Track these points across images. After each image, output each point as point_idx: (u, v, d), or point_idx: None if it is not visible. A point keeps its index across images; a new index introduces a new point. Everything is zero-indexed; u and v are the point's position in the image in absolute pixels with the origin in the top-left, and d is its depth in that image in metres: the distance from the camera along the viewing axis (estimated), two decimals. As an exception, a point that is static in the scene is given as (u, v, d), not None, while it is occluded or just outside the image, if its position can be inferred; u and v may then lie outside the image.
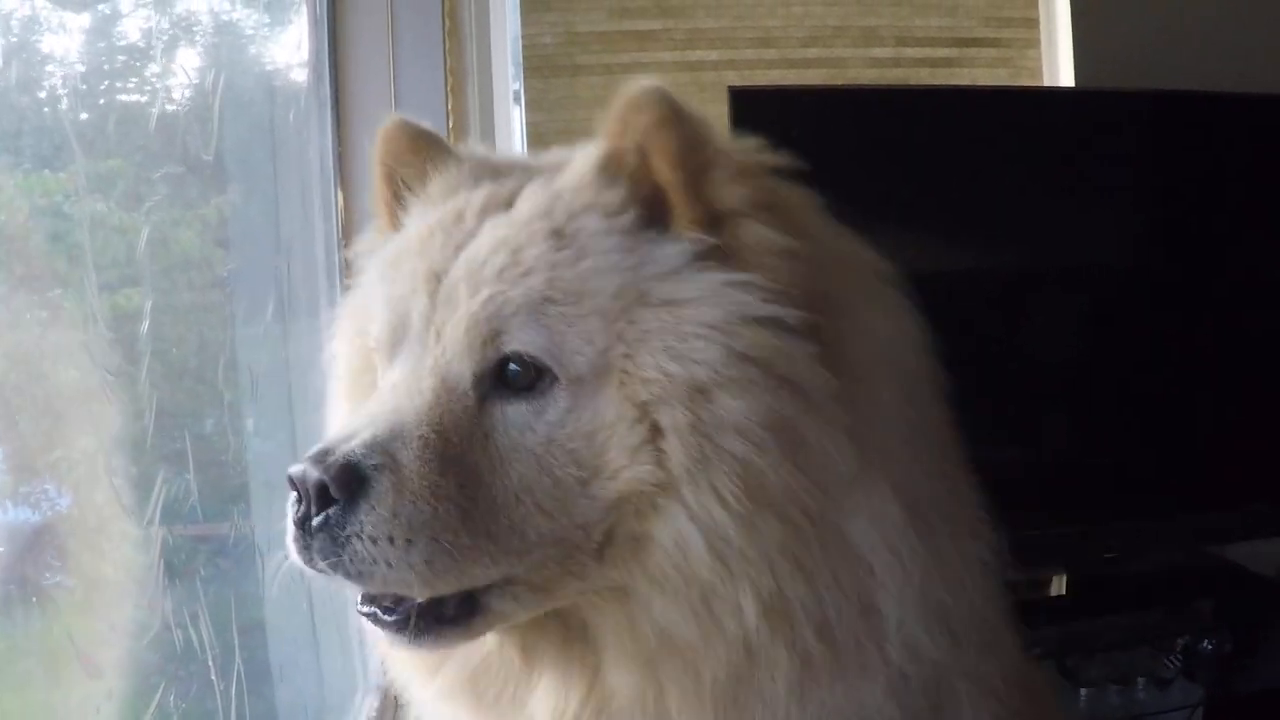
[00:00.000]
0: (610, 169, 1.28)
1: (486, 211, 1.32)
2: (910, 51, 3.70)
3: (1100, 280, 3.17)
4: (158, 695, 1.68)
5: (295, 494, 1.18)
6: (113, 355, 1.67)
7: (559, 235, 1.25)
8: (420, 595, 1.20)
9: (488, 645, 1.33)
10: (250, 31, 2.39)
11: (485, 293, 1.23)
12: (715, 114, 3.25)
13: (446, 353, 1.24)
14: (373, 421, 1.22)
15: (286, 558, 1.22)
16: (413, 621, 1.22)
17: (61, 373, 1.60)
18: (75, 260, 1.62)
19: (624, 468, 1.20)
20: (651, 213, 1.26)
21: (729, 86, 2.80)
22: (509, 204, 1.32)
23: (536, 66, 3.41)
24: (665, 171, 1.24)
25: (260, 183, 2.30)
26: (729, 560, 1.18)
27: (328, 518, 1.17)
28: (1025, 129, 3.06)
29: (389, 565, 1.16)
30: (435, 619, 1.22)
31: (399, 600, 1.23)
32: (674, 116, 1.22)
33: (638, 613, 1.22)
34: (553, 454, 1.21)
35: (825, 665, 1.22)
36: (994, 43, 3.75)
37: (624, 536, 1.21)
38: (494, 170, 1.41)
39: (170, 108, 1.97)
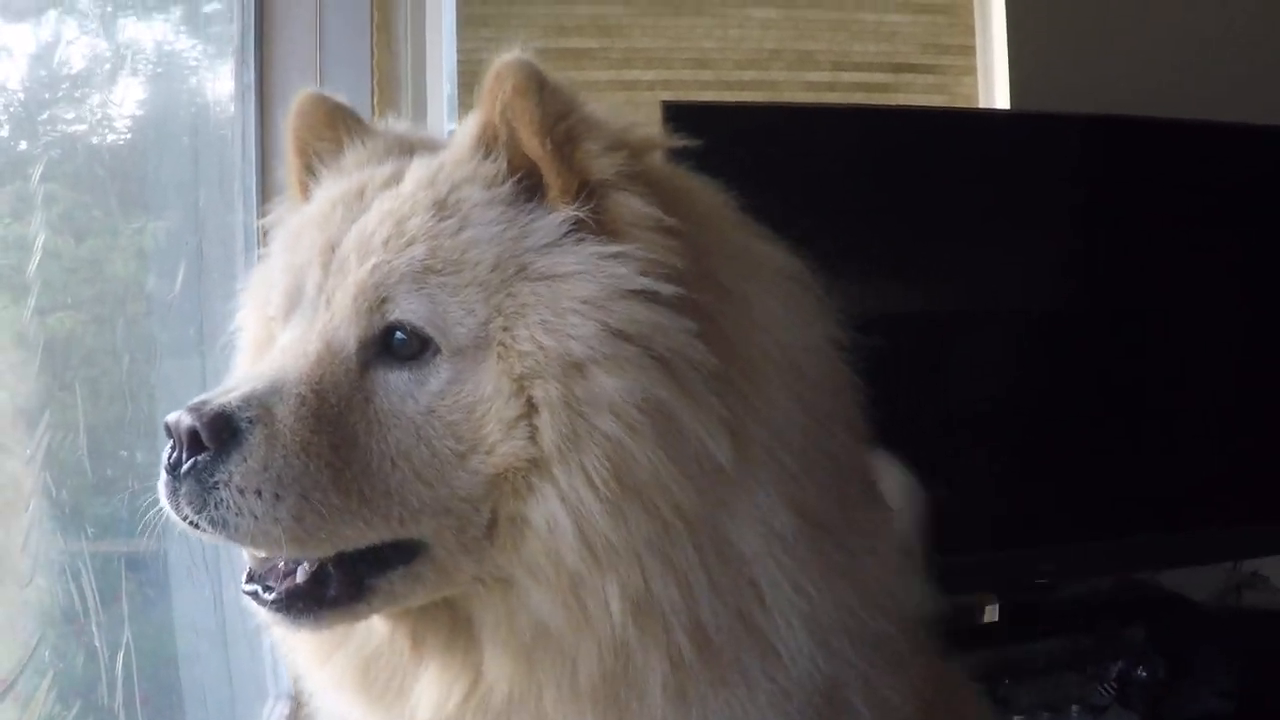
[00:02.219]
0: (485, 140, 1.27)
1: (385, 186, 1.32)
2: (846, 76, 3.71)
3: (1034, 304, 3.17)
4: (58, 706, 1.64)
5: (170, 440, 1.17)
6: (44, 378, 1.65)
7: (441, 206, 1.25)
8: (289, 553, 1.19)
9: (379, 634, 1.31)
10: (193, 63, 2.36)
11: (371, 261, 1.23)
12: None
13: (334, 318, 1.24)
14: (254, 378, 1.21)
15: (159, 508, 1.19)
16: (289, 600, 1.20)
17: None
18: (8, 283, 1.61)
19: (499, 442, 1.19)
20: (531, 184, 1.25)
21: (662, 101, 2.78)
22: (400, 180, 1.32)
23: (471, 82, 3.37)
24: (531, 142, 1.23)
25: (195, 212, 2.27)
26: (596, 549, 1.16)
27: (196, 463, 1.15)
28: (960, 150, 3.05)
29: (255, 517, 1.15)
30: (316, 600, 1.21)
31: (283, 578, 1.21)
32: (535, 85, 1.20)
33: (516, 603, 1.21)
34: (432, 424, 1.20)
35: (703, 672, 1.21)
36: (930, 69, 3.76)
37: (506, 518, 1.20)
38: (409, 146, 1.41)
39: (111, 137, 1.95)
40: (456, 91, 3.35)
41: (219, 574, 2.15)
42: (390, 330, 1.22)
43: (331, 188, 1.37)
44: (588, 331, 1.17)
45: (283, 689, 2.25)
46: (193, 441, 1.15)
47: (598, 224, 1.21)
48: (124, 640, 1.76)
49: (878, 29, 3.73)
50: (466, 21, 3.39)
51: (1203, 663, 3.04)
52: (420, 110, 3.06)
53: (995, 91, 3.70)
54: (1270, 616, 3.33)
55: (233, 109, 2.37)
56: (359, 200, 1.31)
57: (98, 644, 1.68)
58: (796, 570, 1.22)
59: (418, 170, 1.31)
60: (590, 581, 1.17)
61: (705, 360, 1.19)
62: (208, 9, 2.38)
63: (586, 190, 1.22)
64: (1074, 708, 2.93)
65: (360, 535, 1.19)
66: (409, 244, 1.23)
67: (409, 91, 2.89)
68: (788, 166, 2.80)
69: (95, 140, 1.91)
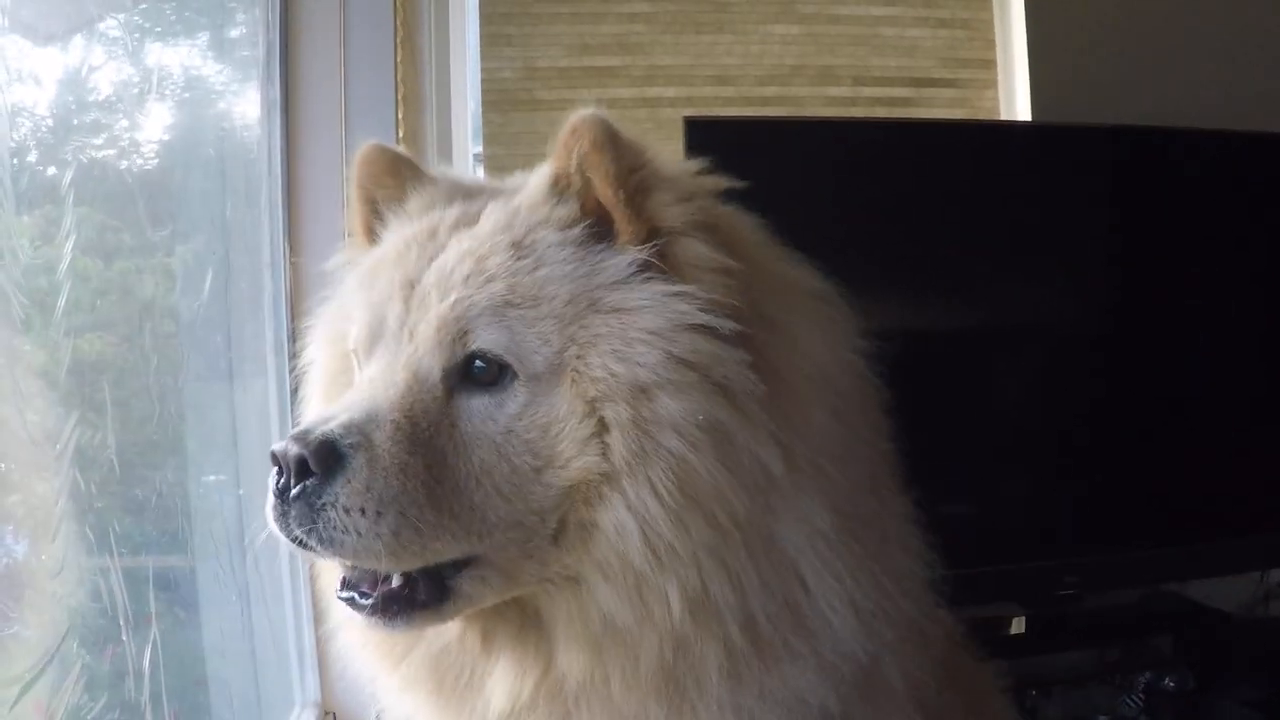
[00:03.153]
0: (558, 189, 1.40)
1: (457, 228, 1.45)
2: (867, 91, 3.72)
3: (1057, 316, 3.16)
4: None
5: (276, 468, 1.28)
6: (73, 400, 1.68)
7: (518, 246, 1.38)
8: (387, 566, 1.31)
9: (450, 634, 1.42)
10: (220, 88, 2.39)
11: (453, 296, 1.35)
12: (672, 149, 3.27)
13: (419, 350, 1.36)
14: (349, 408, 1.33)
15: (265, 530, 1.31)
16: (394, 606, 1.32)
17: (21, 416, 1.59)
18: (38, 305, 1.63)
19: (574, 458, 1.31)
20: (601, 226, 1.38)
21: (684, 116, 2.78)
22: (475, 221, 1.44)
23: (495, 100, 3.41)
24: (605, 191, 1.36)
25: (222, 223, 2.30)
26: (660, 552, 1.28)
27: (305, 488, 1.27)
28: (983, 163, 3.06)
29: (359, 534, 1.26)
30: (408, 603, 1.33)
31: (374, 586, 1.33)
32: (610, 141, 1.34)
33: (586, 599, 1.32)
34: (511, 443, 1.32)
35: (754, 658, 1.33)
36: (951, 83, 3.77)
37: (575, 524, 1.32)
38: (466, 191, 1.54)
39: (139, 160, 1.98)
40: (480, 109, 3.38)
41: (247, 590, 2.17)
42: (471, 359, 1.34)
43: (401, 230, 1.50)
44: (654, 359, 1.30)
45: (309, 698, 2.28)
46: (300, 468, 1.27)
47: (664, 265, 1.34)
48: (152, 643, 1.78)
49: (898, 44, 3.74)
50: (490, 40, 3.42)
51: (1230, 673, 3.03)
52: (445, 128, 3.08)
53: (1016, 105, 3.70)
54: (1298, 627, 3.31)
55: (259, 130, 2.40)
56: (432, 240, 1.44)
57: (128, 658, 1.71)
58: (836, 561, 1.34)
59: (494, 213, 1.43)
60: (654, 581, 1.29)
61: (756, 388, 1.31)
62: (234, 33, 2.40)
63: (655, 235, 1.35)
64: (1102, 718, 2.92)
65: (446, 549, 1.31)
66: (488, 280, 1.35)
67: (433, 109, 2.91)
68: (810, 180, 2.81)
69: (124, 164, 1.94)
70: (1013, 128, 3.54)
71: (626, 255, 1.35)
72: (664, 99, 3.54)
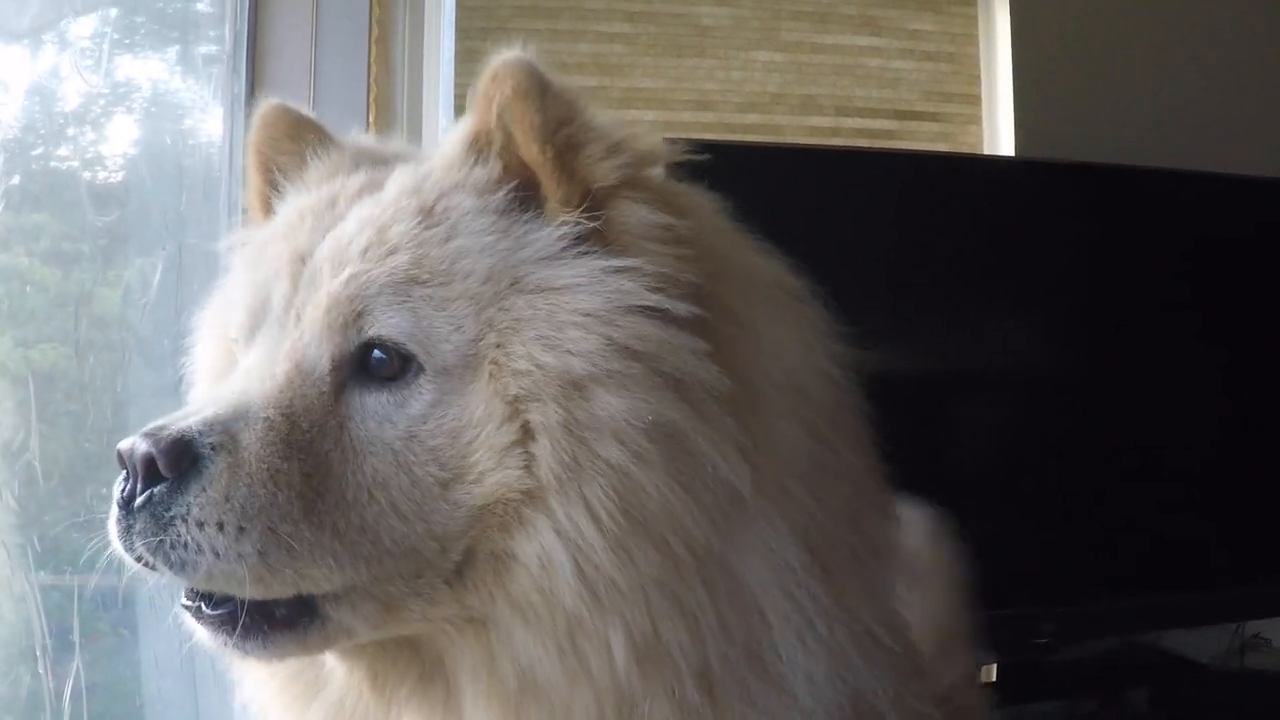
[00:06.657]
0: (478, 146, 1.18)
1: (360, 195, 1.23)
2: (850, 122, 3.66)
3: (1033, 359, 3.11)
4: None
5: (123, 472, 1.06)
6: (25, 409, 1.61)
7: (428, 213, 1.16)
8: (251, 593, 1.07)
9: (339, 678, 1.20)
10: (189, 104, 2.32)
11: (347, 271, 1.13)
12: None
13: (304, 336, 1.14)
14: (216, 401, 1.11)
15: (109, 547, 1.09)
16: (241, 618, 1.09)
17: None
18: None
19: (489, 471, 1.08)
20: (528, 192, 1.16)
21: (663, 138, 2.71)
22: (381, 187, 1.23)
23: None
24: (529, 148, 1.14)
25: (176, 229, 2.23)
26: (598, 589, 1.06)
27: (151, 496, 1.05)
28: (964, 197, 3.01)
29: (216, 555, 1.04)
30: (264, 618, 1.10)
31: (228, 597, 1.09)
32: (536, 88, 1.13)
33: (498, 647, 1.10)
34: (412, 450, 1.10)
35: (711, 714, 1.10)
36: (935, 117, 3.72)
37: (485, 555, 1.09)
38: (377, 158, 1.32)
39: (103, 174, 1.93)
40: (453, 123, 3.30)
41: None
42: (367, 348, 1.12)
43: (298, 200, 1.28)
44: (590, 346, 1.07)
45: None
46: (149, 471, 1.05)
47: (601, 236, 1.13)
48: (75, 671, 1.70)
49: (881, 75, 3.69)
50: (465, 55, 3.34)
51: (1207, 727, 2.98)
52: (415, 138, 3.01)
53: (1000, 140, 3.66)
54: (1273, 678, 3.27)
55: (226, 149, 2.33)
56: (331, 210, 1.22)
57: (45, 686, 1.63)
58: (807, 600, 1.13)
59: (401, 177, 1.22)
60: (590, 625, 1.07)
61: (718, 382, 1.09)
62: (204, 50, 2.34)
63: (589, 200, 1.13)
64: (1074, 772, 2.86)
65: (329, 576, 1.08)
66: (391, 252, 1.13)
67: (404, 119, 2.85)
68: (789, 207, 2.75)
69: (87, 175, 1.89)
70: (995, 162, 3.50)
71: (557, 225, 1.14)
72: (642, 123, 3.46)
